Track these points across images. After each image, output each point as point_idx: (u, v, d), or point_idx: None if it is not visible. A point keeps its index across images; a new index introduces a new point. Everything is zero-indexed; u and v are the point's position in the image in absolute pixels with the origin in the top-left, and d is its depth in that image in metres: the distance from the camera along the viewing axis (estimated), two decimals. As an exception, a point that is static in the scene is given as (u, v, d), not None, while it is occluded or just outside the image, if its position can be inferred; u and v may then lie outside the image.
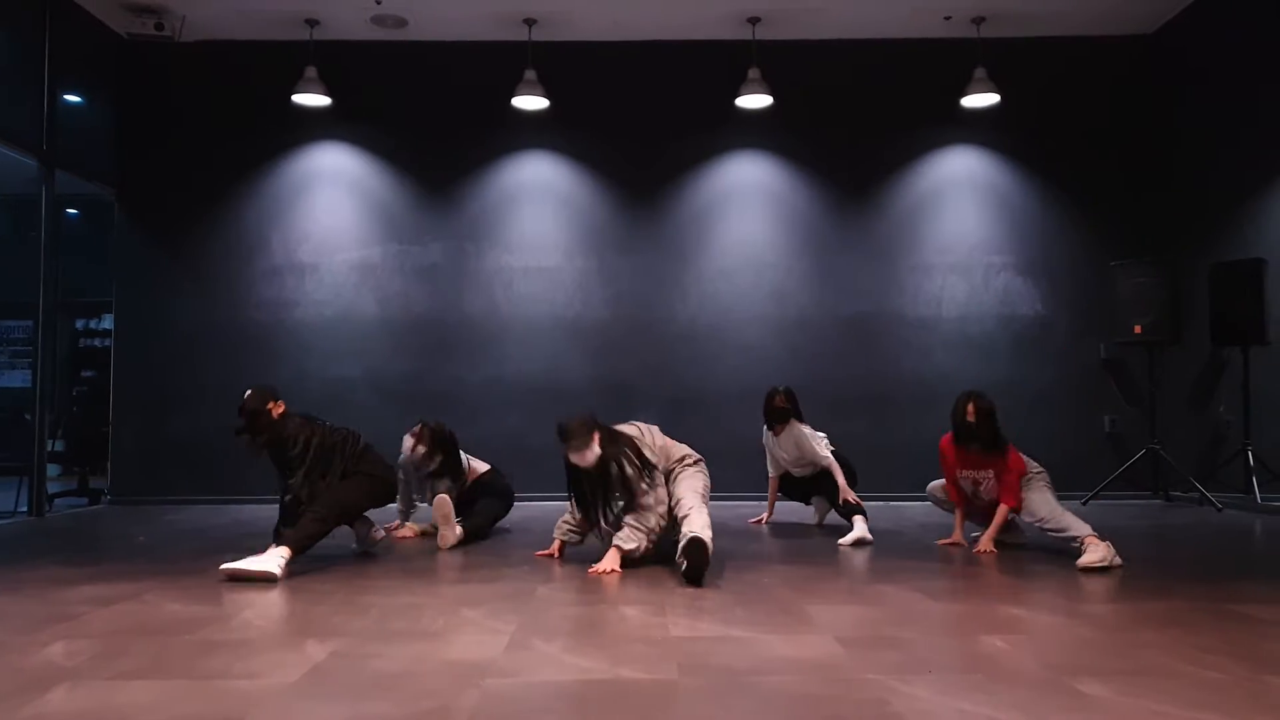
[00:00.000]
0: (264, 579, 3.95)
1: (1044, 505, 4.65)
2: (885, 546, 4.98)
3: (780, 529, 5.79)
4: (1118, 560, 4.24)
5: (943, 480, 5.08)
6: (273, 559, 4.02)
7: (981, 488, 4.85)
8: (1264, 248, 6.49)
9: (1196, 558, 4.73)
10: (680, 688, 2.44)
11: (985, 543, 4.74)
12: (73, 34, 7.05)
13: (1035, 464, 4.84)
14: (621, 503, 4.33)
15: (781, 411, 5.68)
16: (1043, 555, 4.63)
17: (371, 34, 7.57)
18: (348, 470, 4.51)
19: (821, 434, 5.72)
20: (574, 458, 4.27)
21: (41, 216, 6.73)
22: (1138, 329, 6.93)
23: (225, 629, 3.09)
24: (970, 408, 4.80)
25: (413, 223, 7.72)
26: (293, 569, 4.11)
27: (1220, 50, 7.03)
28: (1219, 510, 6.38)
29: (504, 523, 5.91)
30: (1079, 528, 4.41)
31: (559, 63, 7.50)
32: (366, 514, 4.72)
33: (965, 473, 4.88)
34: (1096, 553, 4.21)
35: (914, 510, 6.57)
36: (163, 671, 2.60)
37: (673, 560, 4.50)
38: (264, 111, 7.64)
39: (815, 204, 7.73)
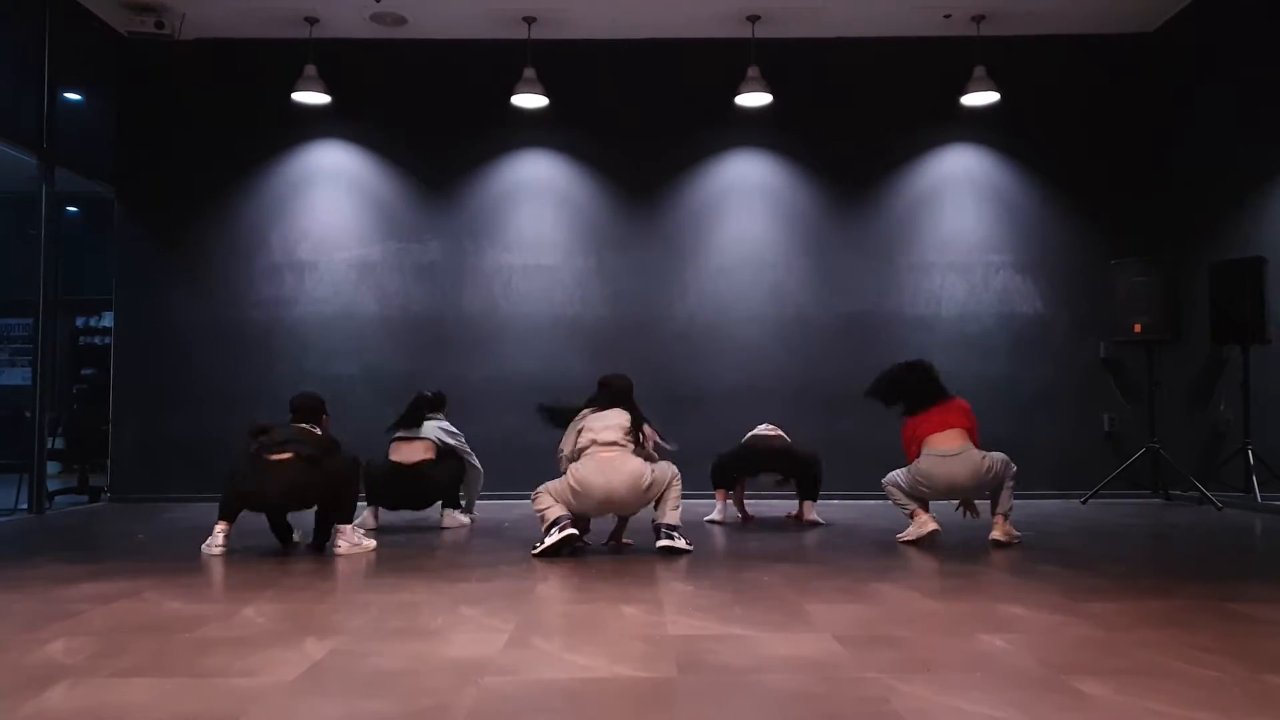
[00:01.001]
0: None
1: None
2: (884, 545, 4.98)
3: (777, 527, 5.80)
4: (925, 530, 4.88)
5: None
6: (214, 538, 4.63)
7: None
8: (1264, 246, 6.49)
9: (1196, 557, 4.73)
10: (679, 686, 2.44)
11: None
12: (72, 32, 7.04)
13: (917, 464, 5.00)
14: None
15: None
16: (1041, 554, 4.63)
17: (371, 32, 7.57)
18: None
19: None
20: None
21: (41, 214, 6.73)
22: (1137, 327, 6.92)
23: (224, 627, 3.09)
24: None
25: (412, 221, 7.72)
26: (295, 565, 4.10)
27: (1221, 48, 7.02)
28: (1219, 509, 6.38)
29: (504, 520, 5.90)
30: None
31: (558, 61, 7.49)
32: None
33: None
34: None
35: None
36: (162, 669, 2.60)
37: (670, 558, 4.51)
38: (263, 109, 7.63)
39: (814, 202, 7.73)
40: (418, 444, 5.65)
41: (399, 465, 5.58)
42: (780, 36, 7.53)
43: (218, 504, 4.71)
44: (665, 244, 7.67)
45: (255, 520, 4.86)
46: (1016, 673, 2.55)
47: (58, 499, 7.16)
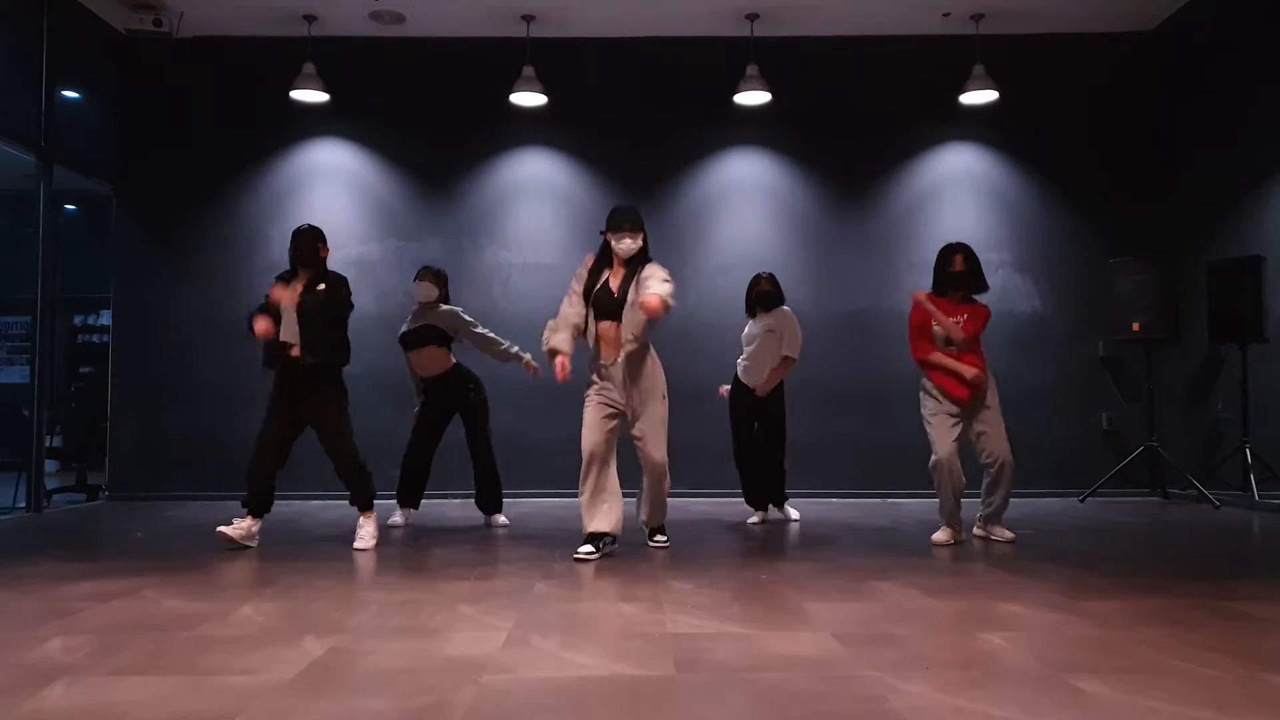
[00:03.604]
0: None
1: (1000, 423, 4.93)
2: (883, 543, 4.98)
3: (778, 527, 5.80)
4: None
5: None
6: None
7: (960, 325, 5.05)
8: (1262, 245, 6.50)
9: (1194, 555, 4.74)
10: (677, 684, 2.44)
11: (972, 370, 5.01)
12: (71, 30, 7.03)
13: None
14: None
15: (767, 295, 5.96)
16: (1040, 553, 4.63)
17: (369, 30, 7.56)
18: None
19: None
20: (624, 241, 4.56)
21: (40, 212, 6.72)
22: (1136, 326, 6.93)
23: (223, 625, 3.09)
24: (959, 259, 5.10)
25: (411, 219, 7.71)
26: (294, 564, 4.11)
27: (1219, 47, 7.02)
28: (1217, 508, 6.39)
29: (503, 519, 5.89)
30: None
31: (557, 59, 7.48)
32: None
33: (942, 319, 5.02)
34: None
35: (911, 507, 6.57)
36: (161, 667, 2.60)
37: (673, 556, 4.51)
38: (262, 107, 7.63)
39: (813, 201, 7.73)
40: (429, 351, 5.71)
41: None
42: (779, 35, 7.53)
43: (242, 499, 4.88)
44: (665, 242, 7.63)
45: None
46: (1015, 671, 2.55)
47: (56, 497, 7.16)
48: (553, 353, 4.59)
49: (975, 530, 5.09)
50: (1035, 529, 5.47)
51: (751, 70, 7.27)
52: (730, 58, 7.39)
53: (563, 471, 6.59)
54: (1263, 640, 2.86)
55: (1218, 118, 7.06)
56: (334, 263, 7.62)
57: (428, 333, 5.69)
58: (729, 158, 7.76)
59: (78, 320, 11.01)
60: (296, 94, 7.35)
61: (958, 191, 7.72)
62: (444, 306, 5.79)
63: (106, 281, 7.72)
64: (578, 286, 4.65)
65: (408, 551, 4.76)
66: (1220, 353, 6.92)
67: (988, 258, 7.58)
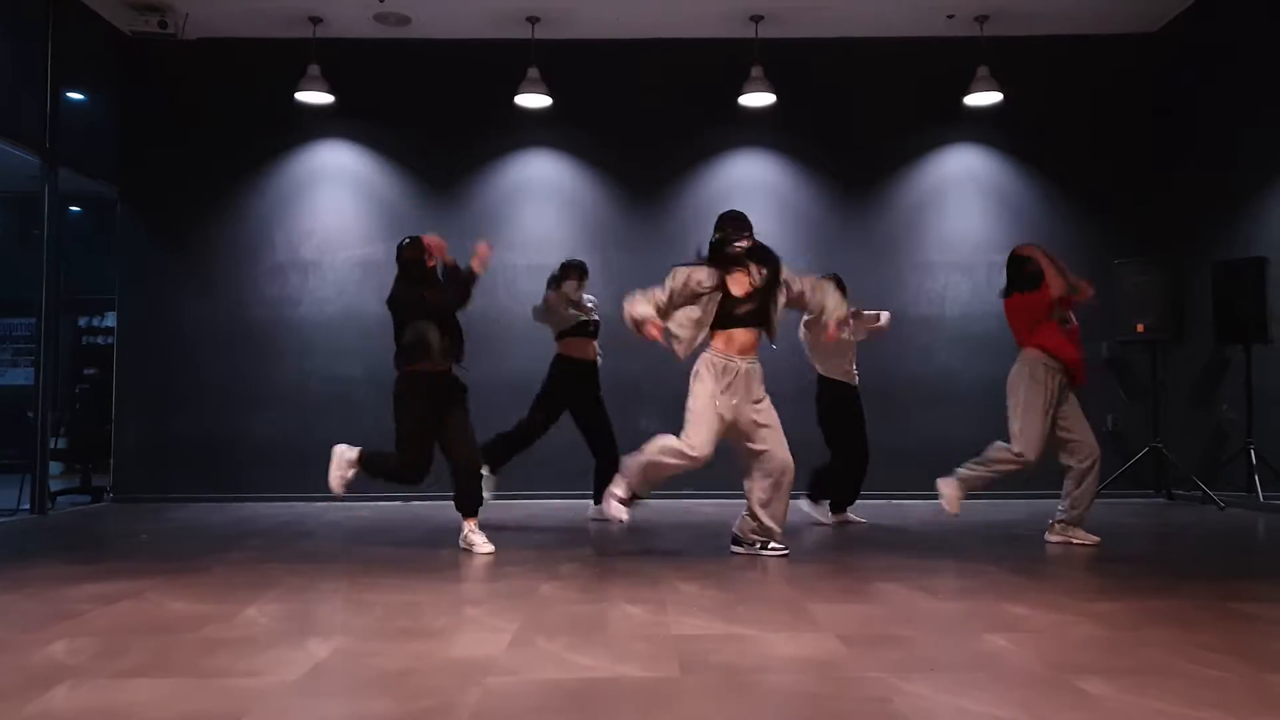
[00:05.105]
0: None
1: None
2: (888, 544, 4.98)
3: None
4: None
5: None
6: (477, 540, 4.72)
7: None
8: (1267, 246, 6.48)
9: (1199, 556, 4.73)
10: (682, 686, 2.44)
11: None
12: (76, 31, 7.05)
13: None
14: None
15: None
16: (1044, 553, 4.62)
17: (374, 31, 7.57)
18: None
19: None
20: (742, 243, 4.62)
21: (44, 214, 6.74)
22: (1140, 327, 6.93)
23: (227, 627, 3.09)
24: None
25: (416, 220, 7.69)
26: (298, 565, 4.12)
27: (1223, 48, 7.01)
28: (1222, 509, 6.37)
29: (506, 521, 5.89)
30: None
31: (562, 60, 7.49)
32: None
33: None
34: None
35: (916, 509, 6.57)
36: (165, 669, 2.60)
37: (678, 559, 4.50)
38: (267, 109, 7.63)
39: (818, 202, 7.72)
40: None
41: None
42: (784, 36, 7.53)
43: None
44: (669, 243, 7.63)
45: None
46: (1020, 672, 2.54)
47: (60, 499, 7.16)
48: (642, 320, 4.54)
49: (1051, 537, 4.93)
50: (1039, 530, 5.46)
51: (756, 71, 7.27)
52: (734, 59, 7.39)
53: (571, 474, 6.62)
54: (1269, 641, 2.85)
55: (1222, 119, 7.05)
56: (338, 264, 7.69)
57: (595, 324, 6.05)
58: (733, 159, 7.76)
59: (82, 322, 11.02)
60: (301, 96, 7.36)
61: (962, 193, 7.72)
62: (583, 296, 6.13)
63: (111, 283, 7.73)
64: (678, 286, 4.60)
65: (410, 553, 4.76)
66: (1225, 354, 6.91)
67: (991, 259, 7.63)
